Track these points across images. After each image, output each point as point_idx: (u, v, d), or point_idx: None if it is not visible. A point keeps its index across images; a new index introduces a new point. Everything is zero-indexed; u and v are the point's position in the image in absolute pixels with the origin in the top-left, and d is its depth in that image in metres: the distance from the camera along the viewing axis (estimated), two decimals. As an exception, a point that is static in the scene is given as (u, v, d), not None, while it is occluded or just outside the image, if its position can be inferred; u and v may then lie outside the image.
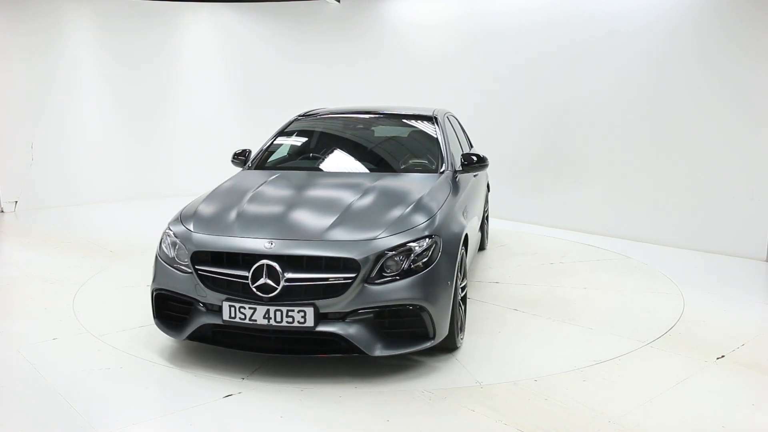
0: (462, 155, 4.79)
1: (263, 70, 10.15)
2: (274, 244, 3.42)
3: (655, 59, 6.81)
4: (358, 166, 4.83)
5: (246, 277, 3.38)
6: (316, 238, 3.47)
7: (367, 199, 3.94)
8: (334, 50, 9.69)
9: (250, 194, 4.10)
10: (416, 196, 3.98)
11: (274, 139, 5.22)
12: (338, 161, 5.01)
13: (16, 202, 8.65)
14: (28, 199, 8.72)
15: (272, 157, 5.07)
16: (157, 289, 3.73)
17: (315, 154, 5.08)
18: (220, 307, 3.42)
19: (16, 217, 8.31)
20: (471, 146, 6.35)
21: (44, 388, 3.36)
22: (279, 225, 3.63)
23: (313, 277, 3.34)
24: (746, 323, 4.48)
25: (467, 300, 4.21)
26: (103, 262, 5.93)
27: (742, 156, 6.35)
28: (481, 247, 6.41)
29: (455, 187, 4.43)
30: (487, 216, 6.65)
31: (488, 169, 6.33)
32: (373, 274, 3.37)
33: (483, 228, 6.20)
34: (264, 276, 3.35)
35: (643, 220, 7.07)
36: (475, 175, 5.25)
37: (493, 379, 3.50)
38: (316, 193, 4.20)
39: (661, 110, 6.85)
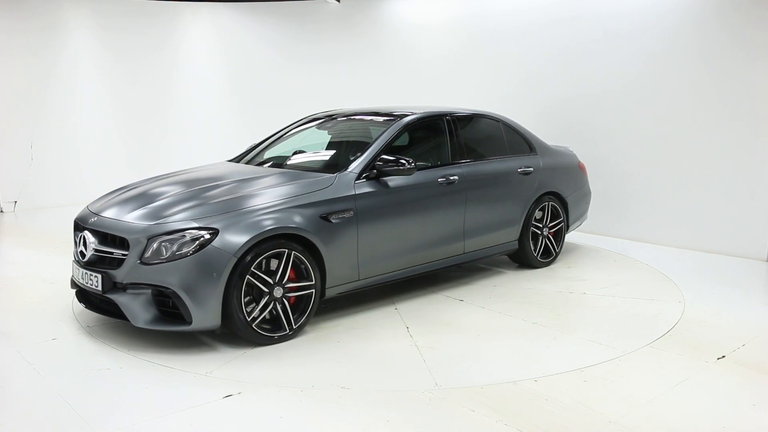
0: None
1: (263, 70, 10.15)
2: (96, 219, 4.05)
3: (656, 59, 6.81)
4: (285, 161, 5.07)
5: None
6: (119, 218, 3.98)
7: (200, 189, 4.20)
8: (334, 50, 9.68)
9: (157, 179, 4.68)
10: (241, 192, 4.11)
11: (263, 140, 5.62)
12: (273, 159, 5.21)
13: (16, 202, 8.65)
14: (28, 199, 8.72)
15: (257, 156, 5.42)
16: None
17: (267, 153, 5.39)
18: None
19: (16, 217, 8.31)
20: (531, 149, 5.83)
21: (44, 388, 3.36)
22: (118, 204, 4.17)
23: (106, 250, 3.91)
24: (746, 323, 4.48)
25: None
26: (102, 262, 5.93)
27: (742, 155, 6.34)
28: (528, 264, 5.75)
29: (335, 189, 4.24)
30: (557, 230, 5.96)
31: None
32: (148, 254, 3.74)
33: (522, 241, 5.62)
34: (80, 244, 4.04)
35: (643, 220, 7.07)
36: (448, 178, 4.91)
37: (494, 379, 3.51)
38: (185, 182, 4.47)
39: (661, 110, 6.84)
